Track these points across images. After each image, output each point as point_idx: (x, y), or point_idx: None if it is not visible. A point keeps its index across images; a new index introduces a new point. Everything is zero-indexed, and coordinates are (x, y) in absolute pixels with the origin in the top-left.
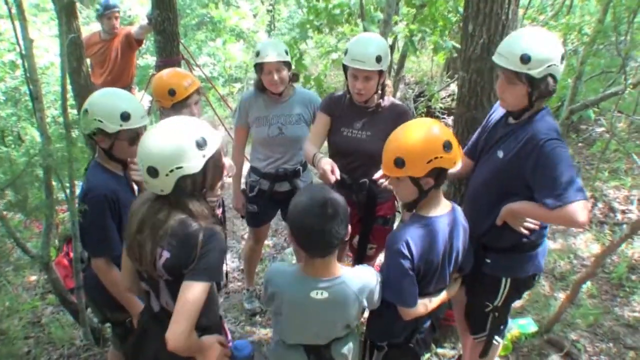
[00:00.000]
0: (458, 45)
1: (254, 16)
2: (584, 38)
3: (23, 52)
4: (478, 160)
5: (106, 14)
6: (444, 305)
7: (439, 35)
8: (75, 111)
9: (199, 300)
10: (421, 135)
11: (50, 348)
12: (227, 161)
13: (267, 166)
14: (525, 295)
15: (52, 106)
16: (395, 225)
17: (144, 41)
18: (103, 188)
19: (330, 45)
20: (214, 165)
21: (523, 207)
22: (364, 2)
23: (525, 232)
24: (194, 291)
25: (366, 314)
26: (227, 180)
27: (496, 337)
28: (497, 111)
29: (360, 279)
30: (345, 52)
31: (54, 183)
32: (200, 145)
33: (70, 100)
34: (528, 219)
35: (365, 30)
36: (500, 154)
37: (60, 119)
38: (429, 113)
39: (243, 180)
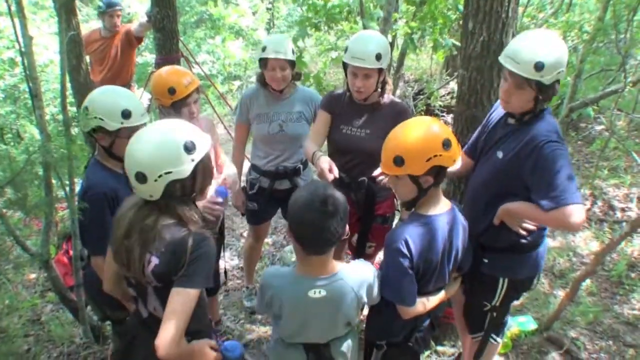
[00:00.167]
0: (458, 43)
1: (253, 14)
2: (584, 36)
3: (22, 49)
4: (478, 160)
5: (108, 11)
6: (443, 304)
7: (439, 33)
8: (74, 109)
9: (189, 307)
10: (420, 134)
11: (50, 346)
12: (230, 176)
13: (267, 164)
14: (525, 293)
15: (51, 104)
16: (394, 224)
17: (144, 39)
18: (102, 186)
19: (329, 43)
20: (203, 169)
21: (520, 208)
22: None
23: (523, 232)
24: (183, 298)
25: (365, 312)
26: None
27: (495, 337)
28: (497, 110)
29: (357, 274)
30: (345, 50)
31: (53, 181)
32: (189, 149)
33: (70, 98)
34: (526, 220)
35: (364, 27)
36: (500, 154)
37: (60, 117)
38: (428, 111)
39: (243, 177)
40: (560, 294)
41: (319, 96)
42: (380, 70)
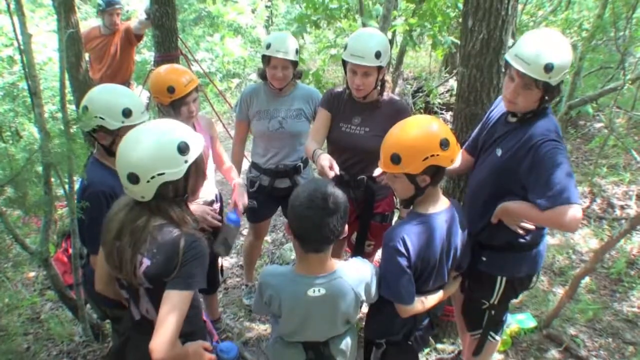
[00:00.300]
0: (457, 41)
1: (252, 11)
2: (583, 33)
3: (21, 47)
4: (478, 158)
5: (108, 10)
6: (442, 303)
7: (438, 31)
8: (73, 107)
9: (182, 309)
10: (418, 132)
11: (50, 344)
12: (242, 196)
13: (267, 162)
14: (524, 291)
15: (49, 102)
16: (393, 222)
17: (143, 36)
18: (101, 184)
19: (328, 40)
20: (196, 170)
21: (517, 207)
22: None
23: (521, 231)
24: (176, 301)
25: (365, 310)
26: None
27: (493, 335)
28: (498, 107)
29: (356, 271)
30: (345, 47)
31: (52, 179)
32: (183, 150)
33: (69, 96)
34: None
35: (364, 25)
36: (499, 152)
37: (59, 115)
38: (427, 108)
39: (243, 176)
40: (560, 291)
41: (319, 94)
42: (379, 68)
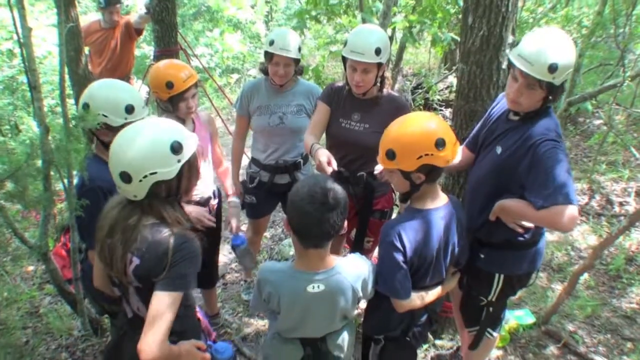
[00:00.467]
0: (457, 38)
1: (252, 7)
2: (583, 30)
3: (21, 40)
4: (478, 154)
5: (108, 8)
6: (440, 300)
7: (438, 27)
8: (72, 101)
9: (171, 310)
10: (414, 130)
11: (49, 338)
12: (236, 218)
13: (267, 157)
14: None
15: (49, 96)
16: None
17: (143, 31)
18: (99, 180)
19: (328, 36)
20: (189, 170)
21: (514, 205)
22: None
23: (519, 229)
24: (165, 302)
25: (363, 306)
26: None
27: (491, 331)
28: (500, 104)
29: (354, 267)
30: (345, 44)
31: (52, 173)
32: (176, 149)
33: (68, 90)
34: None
35: (363, 21)
36: (499, 149)
37: (58, 109)
38: (427, 105)
39: (242, 171)
40: (558, 287)
41: (319, 90)
42: (379, 65)
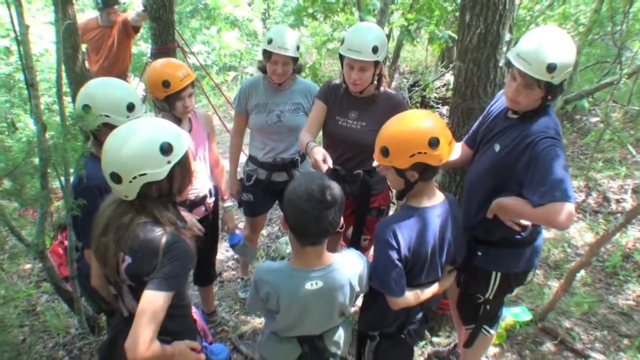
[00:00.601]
0: (454, 35)
1: (249, 4)
2: (580, 28)
3: (19, 38)
4: (476, 151)
5: (106, 9)
6: (437, 297)
7: (435, 25)
8: (69, 99)
9: (160, 310)
10: (408, 129)
11: (46, 336)
12: (230, 220)
13: (264, 155)
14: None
15: (45, 94)
16: None
17: (140, 28)
18: (94, 178)
19: (325, 34)
20: (181, 171)
21: (511, 203)
22: None
23: (516, 227)
24: (154, 301)
25: (359, 303)
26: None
27: (488, 329)
28: (499, 102)
29: (351, 263)
30: (342, 42)
31: (49, 171)
32: (165, 150)
33: (65, 88)
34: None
35: (361, 19)
36: (497, 147)
37: (55, 107)
38: (424, 103)
39: (240, 169)
40: (555, 284)
41: (317, 88)
42: (376, 63)
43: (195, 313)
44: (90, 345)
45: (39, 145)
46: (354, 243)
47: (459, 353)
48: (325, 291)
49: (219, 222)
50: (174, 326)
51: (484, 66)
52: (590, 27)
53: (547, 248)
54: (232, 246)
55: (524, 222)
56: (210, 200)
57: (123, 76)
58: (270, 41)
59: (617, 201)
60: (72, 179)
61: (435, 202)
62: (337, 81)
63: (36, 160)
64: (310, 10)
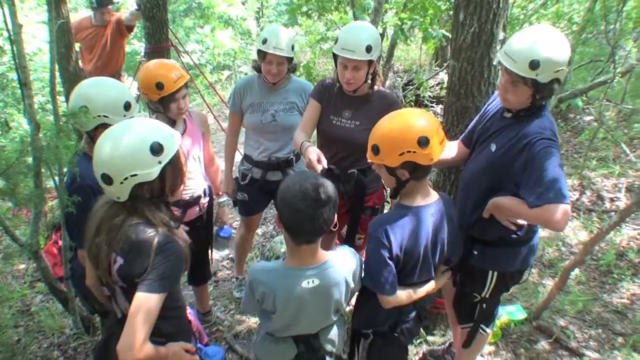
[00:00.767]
0: (448, 34)
1: (243, 3)
2: (573, 27)
3: (12, 37)
4: (473, 150)
5: (100, 9)
6: (431, 296)
7: (429, 24)
8: (63, 98)
9: (152, 312)
10: (397, 127)
11: (40, 336)
12: (224, 215)
13: (259, 154)
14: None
15: (39, 93)
16: None
17: (134, 28)
18: (87, 178)
19: (319, 32)
20: (172, 171)
21: (507, 202)
22: None
23: (512, 227)
24: (146, 303)
25: (353, 301)
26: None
27: (484, 328)
28: (496, 101)
29: (345, 260)
30: (336, 41)
31: (42, 170)
32: (155, 151)
33: (58, 87)
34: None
35: (355, 18)
36: (493, 147)
37: (48, 106)
38: (418, 102)
39: (235, 168)
40: (550, 283)
41: (312, 87)
42: (370, 62)
43: (190, 313)
44: (85, 345)
45: (33, 144)
46: (349, 242)
47: (454, 352)
48: (321, 289)
49: (213, 222)
50: (168, 328)
51: (478, 65)
52: (584, 25)
53: (542, 247)
54: (218, 235)
55: (519, 221)
56: (205, 200)
57: (117, 75)
58: (264, 41)
59: (611, 200)
60: (65, 178)
61: (429, 201)
62: (331, 80)
63: (30, 160)
64: (304, 9)
